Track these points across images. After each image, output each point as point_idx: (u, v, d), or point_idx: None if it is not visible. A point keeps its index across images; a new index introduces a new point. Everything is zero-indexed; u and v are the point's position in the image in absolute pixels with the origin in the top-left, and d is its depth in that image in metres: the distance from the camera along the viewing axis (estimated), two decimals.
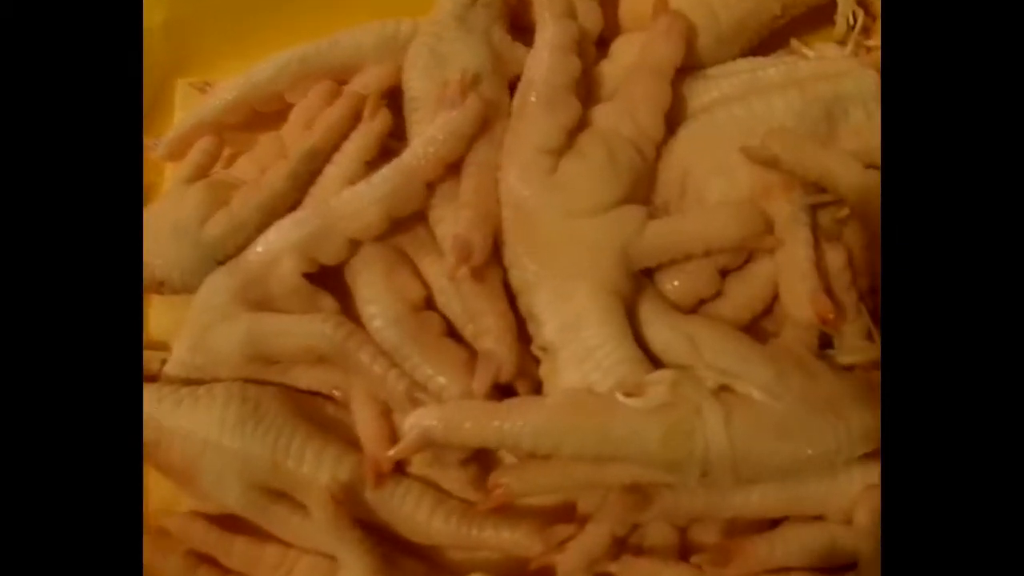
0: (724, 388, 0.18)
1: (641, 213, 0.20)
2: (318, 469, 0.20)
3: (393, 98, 0.23)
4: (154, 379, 0.22)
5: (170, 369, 0.22)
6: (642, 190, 0.20)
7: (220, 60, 0.26)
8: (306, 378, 0.22)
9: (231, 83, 0.25)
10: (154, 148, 0.25)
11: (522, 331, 0.20)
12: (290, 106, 0.24)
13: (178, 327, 0.22)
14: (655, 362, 0.19)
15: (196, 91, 0.26)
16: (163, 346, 0.23)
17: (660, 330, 0.19)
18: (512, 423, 0.18)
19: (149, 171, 0.26)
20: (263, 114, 0.25)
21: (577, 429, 0.18)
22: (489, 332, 0.19)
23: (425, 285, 0.21)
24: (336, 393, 0.22)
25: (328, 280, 0.22)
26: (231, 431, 0.20)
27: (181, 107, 0.27)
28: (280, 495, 0.21)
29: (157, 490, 0.22)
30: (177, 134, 0.25)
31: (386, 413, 0.21)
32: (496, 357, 0.19)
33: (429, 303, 0.21)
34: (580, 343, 0.18)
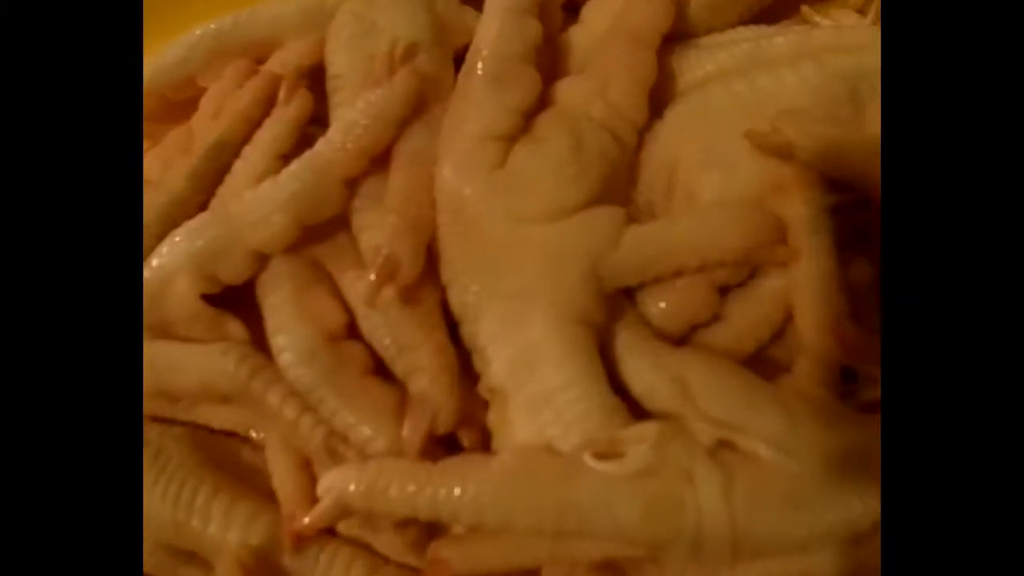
0: (723, 444, 0.14)
1: (617, 216, 0.15)
2: (227, 529, 0.17)
3: (318, 78, 0.19)
4: None
5: None
6: (618, 187, 0.16)
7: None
8: (217, 417, 0.18)
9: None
10: None
11: (467, 367, 0.16)
12: (203, 90, 0.21)
13: None
14: (635, 411, 0.15)
15: None
16: None
17: (641, 368, 0.15)
18: (450, 490, 0.14)
19: None
20: (178, 103, 0.21)
21: (532, 501, 0.14)
22: (423, 370, 0.15)
23: (347, 309, 0.17)
24: (253, 435, 0.18)
25: (244, 301, 0.18)
26: None
27: None
28: (191, 556, 0.17)
29: None
30: None
31: (307, 463, 0.17)
32: (431, 402, 0.15)
33: (352, 331, 0.17)
34: (536, 385, 0.14)
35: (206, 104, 0.20)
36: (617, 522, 0.14)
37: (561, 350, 0.14)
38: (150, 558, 0.17)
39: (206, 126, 0.20)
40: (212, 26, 0.20)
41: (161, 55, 0.21)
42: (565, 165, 0.15)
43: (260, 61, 0.20)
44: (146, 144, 0.22)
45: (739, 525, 0.14)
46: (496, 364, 0.15)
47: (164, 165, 0.20)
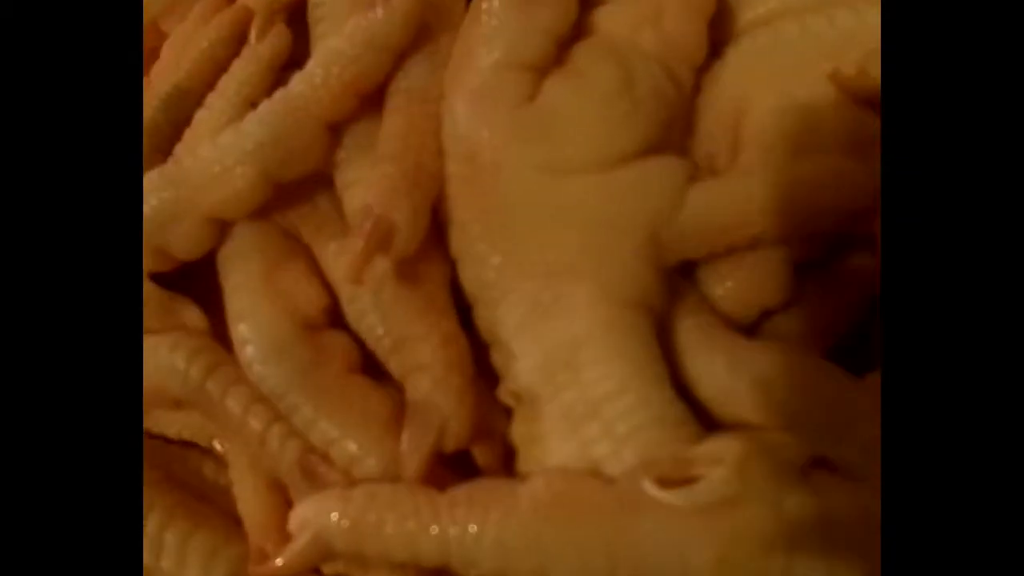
0: (818, 463, 0.11)
1: (680, 170, 0.12)
2: (183, 565, 0.14)
3: (297, 13, 0.16)
4: None
5: None
6: (675, 137, 0.13)
7: None
8: (172, 425, 0.16)
9: None
10: None
11: (484, 364, 0.12)
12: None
13: None
14: (705, 421, 0.11)
15: None
16: None
17: (712, 366, 0.11)
18: (463, 528, 0.11)
19: None
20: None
21: (574, 543, 0.10)
22: (425, 368, 0.12)
23: (329, 290, 0.13)
24: (216, 447, 0.15)
25: (203, 281, 0.14)
26: None
27: None
28: None
29: None
30: None
31: (280, 485, 0.14)
32: (436, 410, 0.11)
33: (336, 318, 0.13)
34: (579, 390, 0.11)
35: (168, 50, 0.17)
36: (686, 567, 0.10)
37: (611, 343, 0.11)
38: None
39: (166, 74, 0.16)
40: None
41: None
42: (614, 103, 0.12)
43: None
44: None
45: (840, 569, 0.11)
46: (524, 361, 0.11)
47: None
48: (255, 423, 0.13)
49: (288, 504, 0.14)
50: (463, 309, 0.13)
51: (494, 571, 0.11)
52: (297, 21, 0.16)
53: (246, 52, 0.16)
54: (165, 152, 0.16)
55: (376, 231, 0.11)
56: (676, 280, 0.12)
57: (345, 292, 0.13)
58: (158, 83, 0.17)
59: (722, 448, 0.11)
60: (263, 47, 0.15)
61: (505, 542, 0.10)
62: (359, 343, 0.13)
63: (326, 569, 0.14)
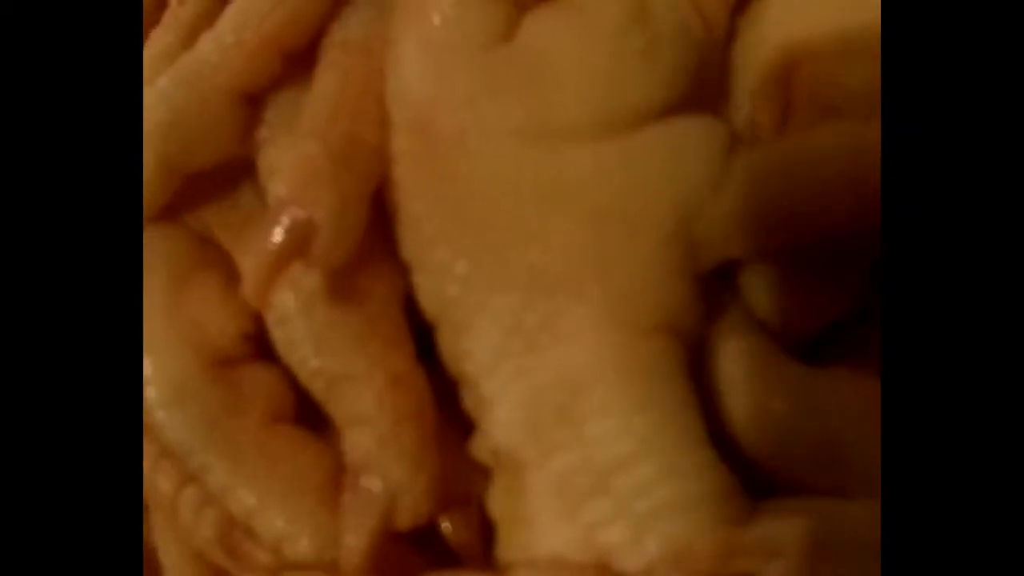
0: None
1: (717, 135, 0.08)
2: None
3: None
4: None
5: None
6: (706, 94, 0.09)
7: None
8: None
9: None
10: None
11: (452, 404, 0.09)
12: None
13: None
14: (755, 483, 0.08)
15: None
16: None
17: (763, 409, 0.08)
18: None
19: None
20: None
21: None
22: (367, 420, 0.09)
23: (252, 311, 0.10)
24: None
25: None
26: None
27: None
28: None
29: None
30: None
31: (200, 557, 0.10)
32: (384, 478, 0.08)
33: (260, 345, 0.10)
34: (580, 451, 0.08)
35: None
36: None
37: (624, 385, 0.08)
38: None
39: None
40: None
41: None
42: (623, 43, 0.08)
43: None
44: None
45: None
46: (502, 411, 0.08)
47: None
48: (164, 484, 0.10)
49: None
50: (424, 332, 0.09)
51: None
52: None
53: (166, 18, 0.13)
54: None
55: (291, 232, 0.08)
56: (713, 288, 0.09)
57: (273, 313, 0.10)
58: None
59: (782, 531, 0.07)
60: (183, 10, 0.13)
61: None
62: (289, 378, 0.10)
63: None
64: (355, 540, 0.08)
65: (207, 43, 0.10)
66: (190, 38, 0.12)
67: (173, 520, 0.10)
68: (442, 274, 0.09)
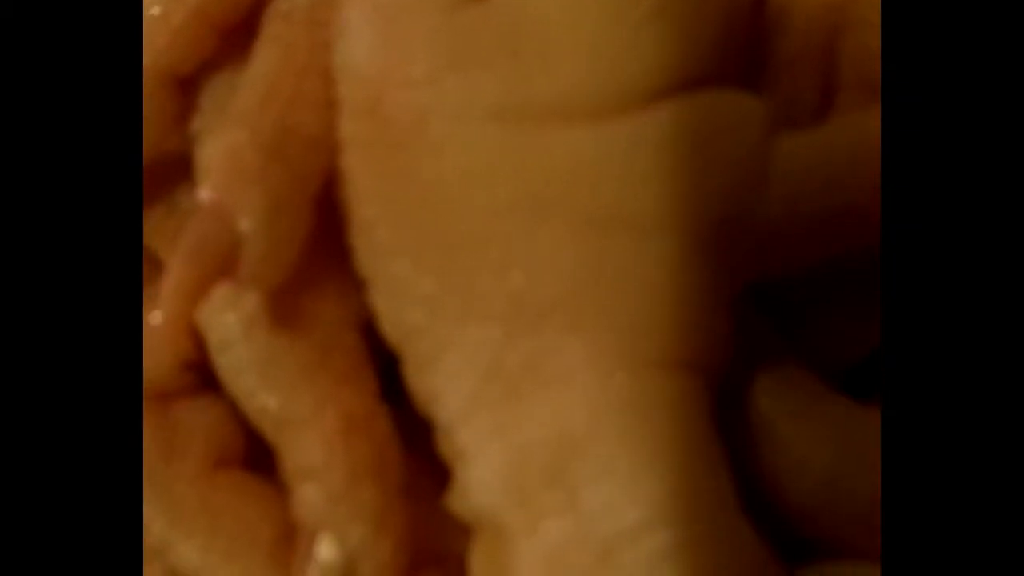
0: None
1: (757, 114, 0.06)
2: None
3: None
4: None
5: None
6: (735, 62, 0.07)
7: None
8: None
9: None
10: None
11: (421, 459, 0.07)
12: None
13: None
14: (791, 546, 0.07)
15: None
16: None
17: (806, 459, 0.06)
18: None
19: None
20: None
21: None
22: (315, 472, 0.07)
23: (193, 334, 0.09)
24: None
25: None
26: None
27: None
28: None
29: None
30: None
31: None
32: (342, 546, 0.07)
33: (203, 375, 0.08)
34: (575, 521, 0.06)
35: None
36: None
37: (632, 440, 0.06)
38: None
39: None
40: None
41: None
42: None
43: None
44: None
45: None
46: (481, 468, 0.06)
47: None
48: None
49: None
50: (389, 358, 0.07)
51: None
52: None
53: None
54: None
55: (214, 244, 0.06)
56: (748, 314, 0.07)
57: (214, 337, 0.08)
58: None
59: None
60: None
61: None
62: (235, 414, 0.08)
63: None
64: None
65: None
66: None
67: None
68: (403, 294, 0.07)
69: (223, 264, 0.07)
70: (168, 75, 0.08)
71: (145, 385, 0.08)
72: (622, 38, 0.06)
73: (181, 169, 0.09)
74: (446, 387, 0.06)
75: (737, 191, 0.06)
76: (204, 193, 0.07)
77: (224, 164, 0.07)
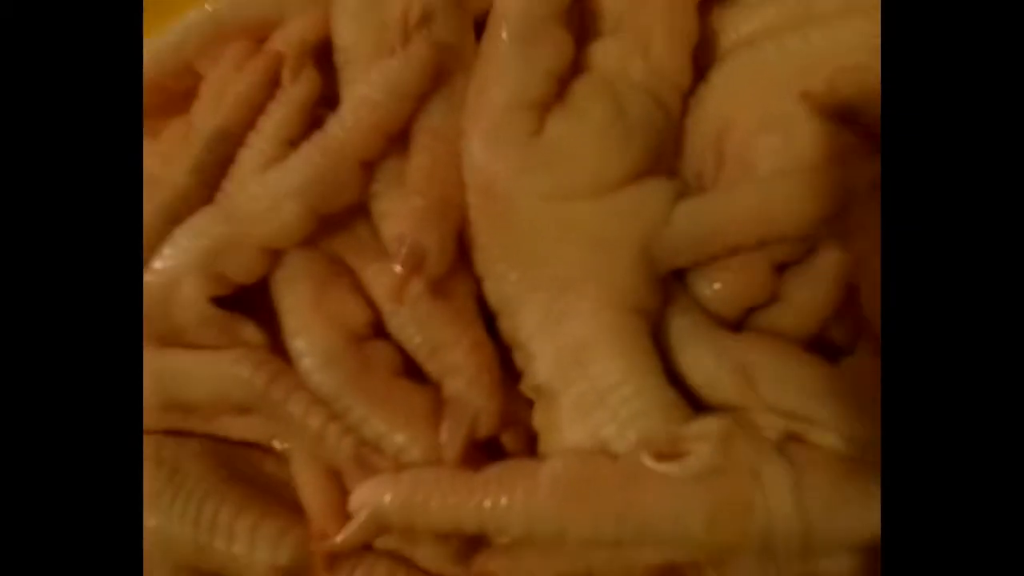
0: (791, 438, 0.13)
1: (667, 190, 0.14)
2: (253, 548, 0.16)
3: (324, 55, 0.17)
4: None
5: None
6: (665, 158, 0.15)
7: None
8: (236, 428, 0.17)
9: None
10: None
11: (507, 366, 0.14)
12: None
13: None
14: (693, 404, 0.13)
15: None
16: None
17: (700, 357, 0.13)
18: (496, 500, 0.13)
19: None
20: (177, 95, 0.20)
21: (588, 509, 0.12)
22: (458, 370, 0.14)
23: (372, 305, 0.15)
24: (276, 445, 0.17)
25: (259, 302, 0.16)
26: (147, 505, 0.16)
27: None
28: None
29: None
30: None
31: (337, 475, 0.16)
32: (470, 405, 0.14)
33: (379, 330, 0.15)
34: (587, 382, 0.13)
35: (206, 91, 0.19)
36: (681, 528, 0.12)
37: (613, 342, 0.13)
38: None
39: (206, 115, 0.18)
40: (208, 7, 0.19)
41: (155, 41, 0.19)
42: (607, 134, 0.14)
43: (261, 42, 0.19)
44: (145, 139, 0.21)
45: (813, 525, 0.13)
46: (541, 360, 0.13)
47: (164, 160, 0.19)
48: (314, 422, 0.15)
49: (344, 491, 0.16)
50: (488, 318, 0.15)
51: (521, 536, 0.13)
52: (325, 61, 0.18)
53: (281, 94, 0.17)
54: (212, 188, 0.18)
55: (411, 257, 0.13)
56: (669, 284, 0.14)
57: (386, 307, 0.15)
58: (200, 123, 0.19)
59: (708, 427, 0.13)
60: (296, 89, 0.17)
61: (531, 511, 0.13)
62: (400, 351, 0.15)
63: (378, 544, 0.16)
64: (453, 446, 0.14)
65: (333, 125, 0.15)
66: (301, 110, 0.17)
67: (318, 447, 0.15)
68: (501, 281, 0.14)
69: (416, 267, 0.13)
70: (359, 161, 0.15)
71: (348, 333, 0.15)
72: (605, 153, 0.14)
73: (361, 213, 0.16)
74: (524, 323, 0.14)
75: (655, 228, 0.14)
76: (403, 230, 0.14)
77: (413, 216, 0.14)
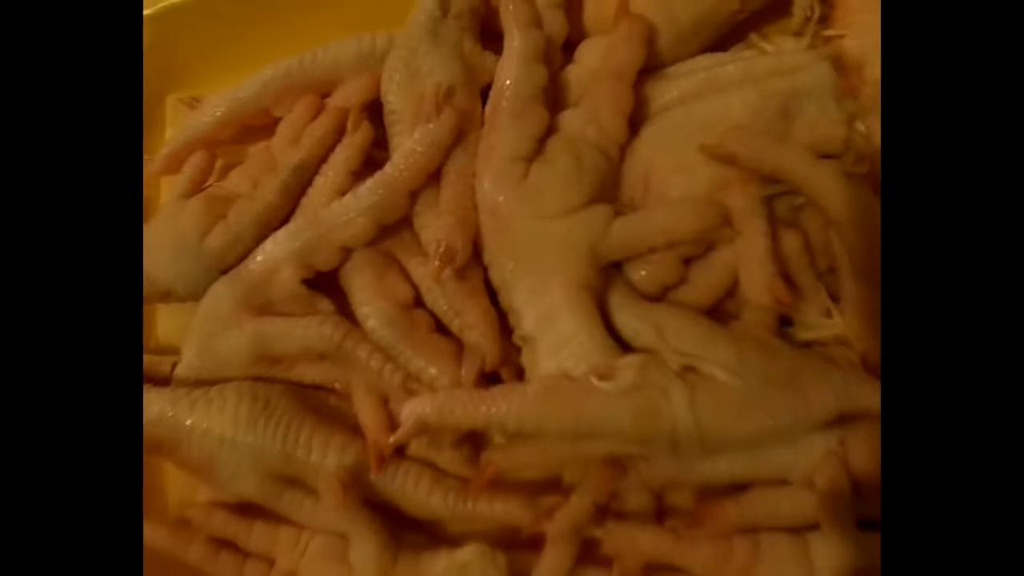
0: (688, 370, 0.20)
1: (607, 212, 0.21)
2: (325, 457, 0.22)
3: (373, 109, 0.24)
4: (166, 381, 0.24)
5: (181, 372, 0.24)
6: (608, 190, 0.22)
7: (207, 75, 0.28)
8: (309, 374, 0.24)
9: (219, 99, 0.26)
10: (149, 164, 0.27)
11: (504, 324, 0.22)
12: (276, 117, 0.26)
13: (185, 332, 0.24)
14: (625, 348, 0.21)
15: (185, 107, 0.27)
16: (172, 350, 0.25)
17: (628, 319, 0.21)
18: (498, 408, 0.20)
19: (146, 186, 0.27)
20: (251, 126, 0.26)
21: (556, 411, 0.19)
22: (474, 326, 0.21)
23: (413, 285, 0.23)
24: (337, 386, 0.23)
25: (324, 283, 0.23)
26: (244, 427, 0.22)
27: (172, 122, 0.28)
28: (292, 482, 0.22)
29: (176, 484, 0.24)
30: (171, 150, 0.26)
31: (384, 403, 0.22)
32: (481, 349, 0.21)
33: (418, 301, 0.23)
34: (556, 334, 0.20)
35: (283, 131, 0.25)
36: (615, 425, 0.20)
37: (572, 308, 0.20)
38: (260, 487, 0.22)
39: (287, 149, 0.25)
40: (281, 65, 0.25)
41: (238, 89, 0.26)
42: (569, 176, 0.21)
43: (323, 94, 0.26)
44: (223, 160, 0.27)
45: (703, 426, 0.19)
46: (526, 320, 0.21)
47: (251, 180, 0.25)
48: (375, 363, 0.22)
49: (390, 415, 0.23)
50: (492, 294, 0.22)
51: (515, 430, 0.20)
52: (373, 113, 0.25)
53: (346, 140, 0.24)
54: (292, 202, 0.24)
55: (446, 254, 0.21)
56: (611, 271, 0.22)
57: (423, 286, 0.23)
58: (280, 154, 0.25)
59: (632, 360, 0.20)
60: (357, 137, 0.24)
61: (520, 414, 0.20)
62: (433, 316, 0.23)
63: (411, 451, 0.23)
64: (469, 375, 0.21)
65: (391, 167, 0.22)
66: (360, 151, 0.24)
67: (376, 381, 0.22)
68: (501, 268, 0.22)
69: (448, 261, 0.21)
70: (409, 191, 0.22)
71: (400, 303, 0.22)
72: (567, 189, 0.21)
73: (407, 224, 0.23)
74: (516, 297, 0.21)
75: (599, 236, 0.21)
76: (439, 236, 0.21)
77: (445, 226, 0.21)
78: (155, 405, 0.22)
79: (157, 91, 0.28)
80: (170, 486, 0.25)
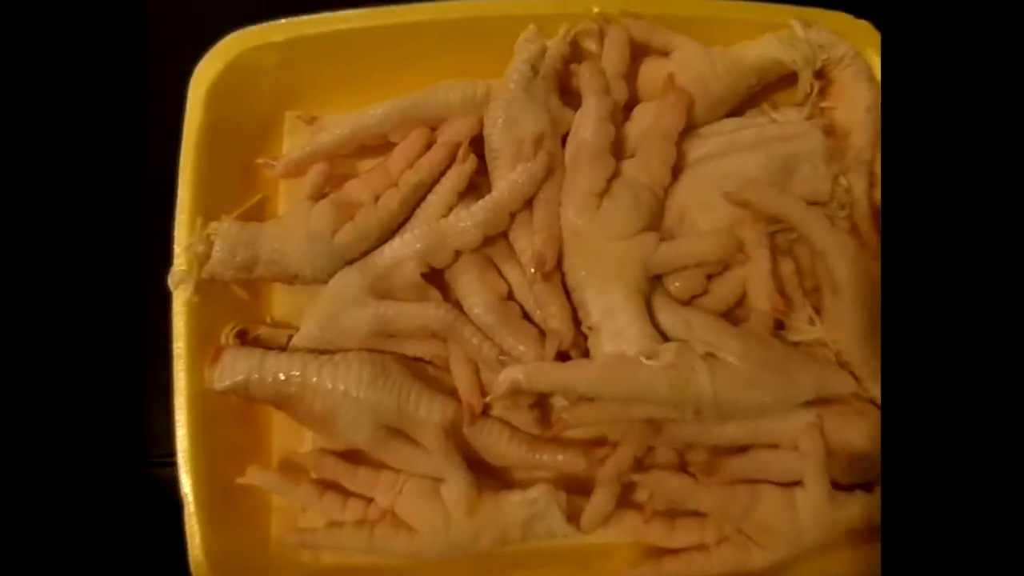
0: (710, 355, 0.27)
1: (655, 238, 0.29)
2: (430, 412, 0.28)
3: (474, 143, 0.32)
4: (282, 350, 0.30)
5: (298, 341, 0.30)
6: (655, 221, 0.30)
7: (321, 97, 0.34)
8: (414, 348, 0.30)
9: (343, 121, 0.32)
10: (271, 167, 0.33)
11: (575, 316, 0.28)
12: (389, 141, 0.32)
13: (296, 310, 0.31)
14: (664, 338, 0.28)
15: (302, 122, 0.33)
16: (285, 324, 0.31)
17: (667, 316, 0.29)
18: (570, 376, 0.27)
19: (267, 186, 0.33)
20: (365, 147, 0.33)
21: (613, 380, 0.27)
22: (553, 316, 0.29)
23: (507, 283, 0.30)
24: (436, 359, 0.30)
25: (430, 278, 0.31)
26: (367, 386, 0.28)
27: (289, 135, 0.35)
28: (398, 433, 0.28)
29: (280, 436, 0.31)
30: (293, 158, 0.32)
31: (477, 371, 0.29)
32: (559, 333, 0.28)
33: (510, 295, 0.30)
34: (615, 324, 0.28)
35: (399, 154, 0.32)
36: (655, 393, 0.27)
37: (627, 306, 0.28)
38: (372, 435, 0.28)
39: (403, 169, 0.31)
40: (399, 101, 0.31)
41: (361, 116, 0.32)
42: (629, 210, 0.29)
43: (432, 128, 0.32)
44: (344, 172, 0.34)
45: (719, 396, 0.27)
46: (592, 314, 0.28)
47: (370, 192, 0.32)
48: (476, 341, 0.29)
49: (481, 382, 0.30)
50: (568, 293, 0.30)
51: (582, 394, 0.27)
52: (475, 146, 0.32)
53: (456, 168, 0.31)
54: (408, 213, 0.31)
55: (540, 262, 0.28)
56: (655, 281, 0.30)
57: (515, 283, 0.30)
58: (396, 172, 0.32)
59: (670, 346, 0.28)
60: (465, 167, 0.31)
61: (587, 381, 0.27)
62: (522, 307, 0.30)
63: (495, 412, 0.30)
64: (549, 353, 0.29)
65: (498, 192, 0.30)
66: (466, 177, 0.32)
67: (476, 354, 0.30)
68: (575, 273, 0.29)
69: (541, 266, 0.29)
70: (509, 212, 0.30)
71: (499, 296, 0.30)
72: (628, 218, 0.30)
73: (504, 236, 0.31)
74: (586, 296, 0.29)
75: (646, 256, 0.29)
76: (537, 247, 0.29)
77: (541, 242, 0.29)
78: (283, 365, 0.29)
79: (278, 107, 0.34)
80: (274, 438, 0.31)
